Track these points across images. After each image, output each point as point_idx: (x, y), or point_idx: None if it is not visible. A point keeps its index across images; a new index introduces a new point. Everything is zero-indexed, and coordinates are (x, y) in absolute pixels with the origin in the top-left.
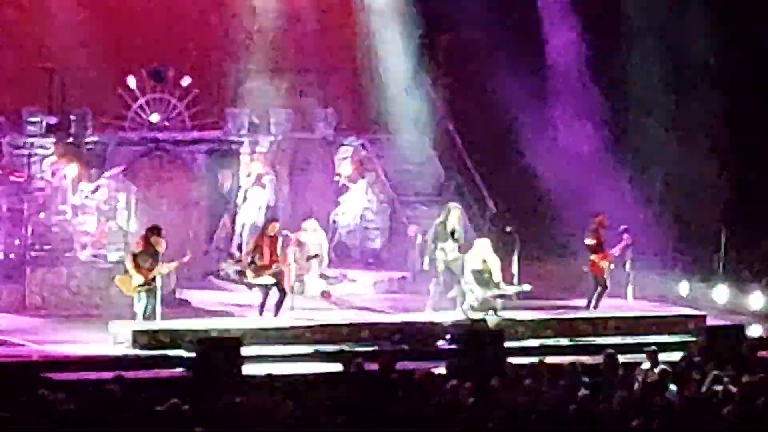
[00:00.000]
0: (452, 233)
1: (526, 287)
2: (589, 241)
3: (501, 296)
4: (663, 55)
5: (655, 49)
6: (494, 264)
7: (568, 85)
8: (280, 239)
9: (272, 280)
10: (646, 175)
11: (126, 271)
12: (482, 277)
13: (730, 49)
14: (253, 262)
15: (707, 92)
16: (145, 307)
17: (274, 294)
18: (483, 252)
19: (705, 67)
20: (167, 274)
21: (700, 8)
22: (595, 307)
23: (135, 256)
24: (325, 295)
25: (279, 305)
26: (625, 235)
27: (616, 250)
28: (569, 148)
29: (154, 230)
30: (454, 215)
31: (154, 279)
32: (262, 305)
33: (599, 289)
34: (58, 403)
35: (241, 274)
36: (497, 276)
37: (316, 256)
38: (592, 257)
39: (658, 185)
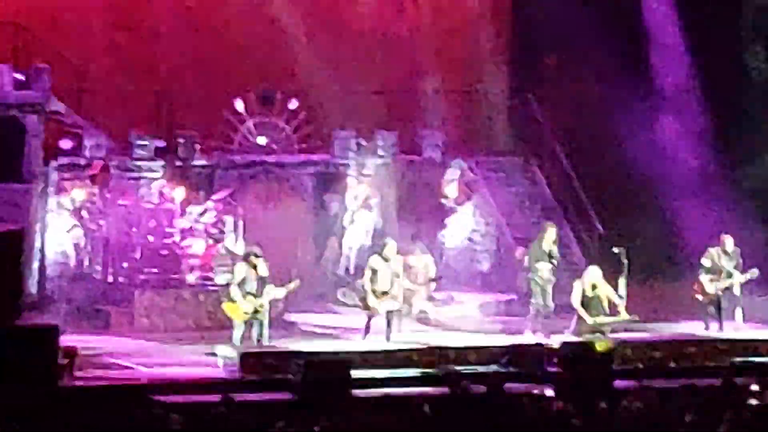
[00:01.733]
0: (549, 254)
1: (635, 317)
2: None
3: (609, 324)
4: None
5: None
6: (604, 291)
7: (676, 104)
8: (398, 261)
9: (396, 305)
10: (758, 195)
11: (233, 299)
12: (592, 304)
13: None
14: (373, 287)
15: None
16: (243, 335)
17: (381, 317)
18: (594, 278)
19: None
20: (275, 298)
21: None
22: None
23: (240, 284)
24: (421, 320)
25: (390, 328)
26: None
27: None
28: (678, 168)
29: (253, 254)
30: (550, 235)
31: (262, 305)
32: (367, 328)
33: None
34: (172, 424)
35: (363, 299)
36: (606, 304)
37: (440, 278)
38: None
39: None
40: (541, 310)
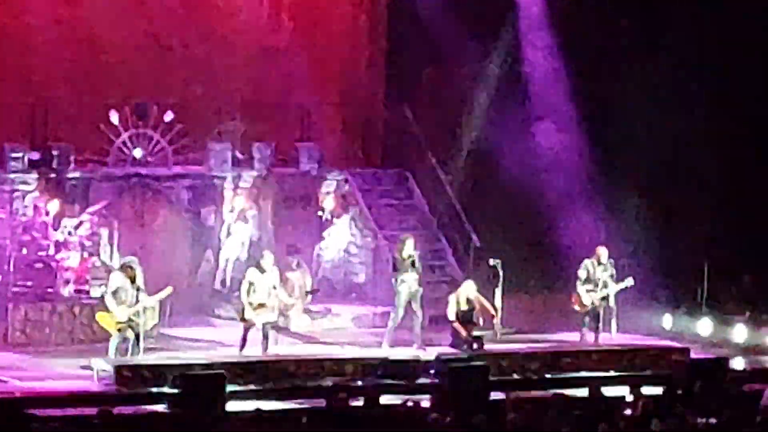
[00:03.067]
0: (412, 263)
1: (510, 329)
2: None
3: (485, 336)
4: (644, 81)
5: (637, 74)
6: (480, 304)
7: (553, 114)
8: (275, 273)
9: (273, 318)
10: (630, 207)
11: (107, 309)
12: (467, 317)
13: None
14: (250, 300)
15: (689, 118)
16: (118, 346)
17: (258, 330)
18: (469, 292)
19: (687, 93)
20: (150, 308)
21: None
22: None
23: (114, 293)
24: (298, 333)
25: (266, 341)
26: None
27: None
28: (555, 178)
29: (129, 264)
30: (409, 245)
31: (136, 315)
32: (244, 341)
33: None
34: None
35: (239, 312)
36: (481, 316)
37: (317, 290)
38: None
39: (641, 217)
40: (396, 323)
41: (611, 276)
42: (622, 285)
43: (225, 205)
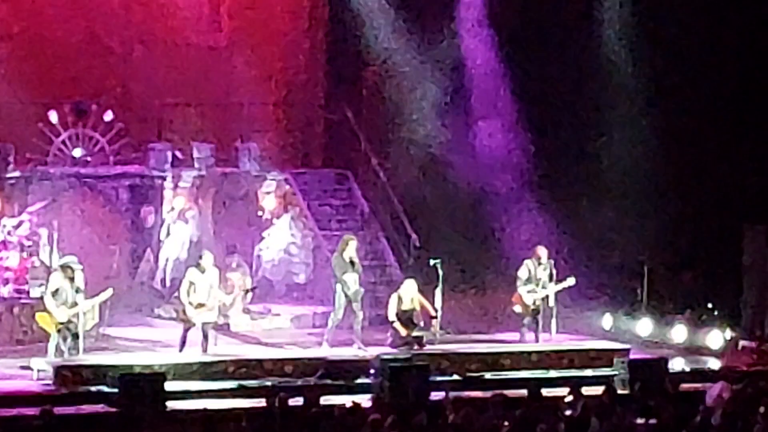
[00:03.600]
0: (352, 263)
1: (449, 330)
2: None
3: (424, 336)
4: (586, 78)
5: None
6: (419, 304)
7: (494, 111)
8: (214, 273)
9: (213, 317)
10: (569, 205)
11: (47, 309)
12: (407, 317)
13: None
14: (190, 300)
15: (629, 117)
16: (57, 346)
17: (198, 330)
18: (409, 292)
19: (628, 91)
20: (90, 309)
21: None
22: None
23: (54, 294)
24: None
25: (206, 341)
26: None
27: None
28: (496, 176)
29: (68, 265)
30: (351, 246)
31: (75, 315)
32: (183, 341)
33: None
34: None
35: (179, 312)
36: (421, 316)
37: (254, 288)
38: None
39: (581, 217)
40: (336, 323)
41: (551, 276)
42: (563, 285)
43: (165, 204)
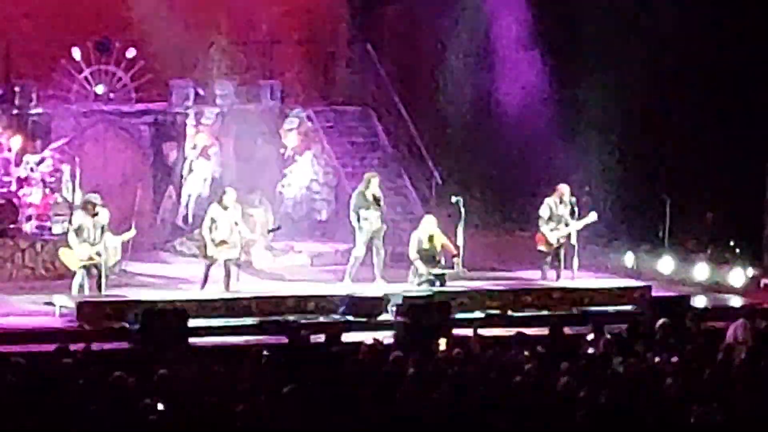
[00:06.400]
0: (376, 200)
1: (469, 270)
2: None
3: (446, 274)
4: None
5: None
6: (440, 241)
7: (513, 54)
8: (237, 210)
9: (235, 254)
10: (591, 144)
11: (70, 246)
12: (428, 255)
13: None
14: (212, 236)
15: (651, 57)
16: (80, 283)
17: (220, 266)
18: (430, 229)
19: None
20: (113, 247)
21: None
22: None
23: (77, 231)
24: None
25: (228, 278)
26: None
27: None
28: (515, 118)
29: (91, 202)
30: (374, 183)
31: (98, 253)
32: (206, 277)
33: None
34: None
35: (201, 248)
36: (442, 254)
37: (279, 227)
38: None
39: (602, 155)
40: (359, 260)
41: (572, 213)
42: (585, 220)
43: (187, 141)
